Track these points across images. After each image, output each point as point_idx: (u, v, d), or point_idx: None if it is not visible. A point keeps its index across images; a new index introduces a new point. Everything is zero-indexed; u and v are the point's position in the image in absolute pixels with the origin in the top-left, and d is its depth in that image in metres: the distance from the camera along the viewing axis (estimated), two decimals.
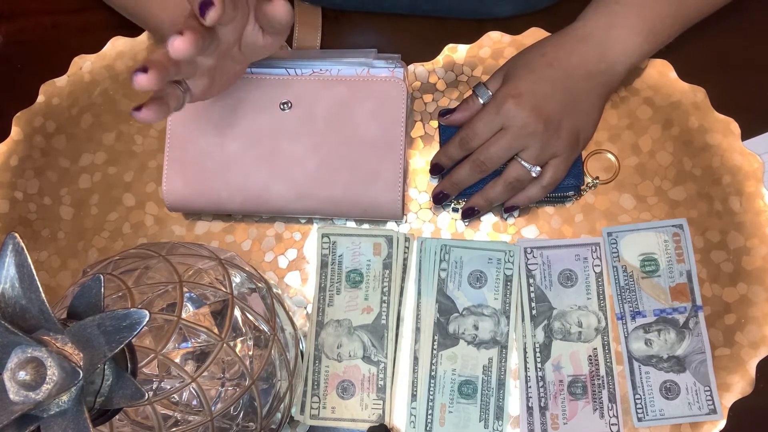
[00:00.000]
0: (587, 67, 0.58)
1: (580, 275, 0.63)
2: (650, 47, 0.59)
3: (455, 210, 0.65)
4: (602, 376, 0.61)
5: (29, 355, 0.32)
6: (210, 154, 0.61)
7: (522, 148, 0.58)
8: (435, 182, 0.65)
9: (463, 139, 0.60)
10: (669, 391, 0.61)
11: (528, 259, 0.63)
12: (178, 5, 0.56)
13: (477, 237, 0.64)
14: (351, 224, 0.64)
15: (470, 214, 0.62)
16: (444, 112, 0.63)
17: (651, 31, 0.58)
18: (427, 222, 0.65)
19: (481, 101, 0.60)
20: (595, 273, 0.63)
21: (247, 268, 0.55)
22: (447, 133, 0.63)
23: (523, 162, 0.59)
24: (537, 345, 0.61)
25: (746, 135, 0.64)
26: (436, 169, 0.63)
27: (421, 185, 0.65)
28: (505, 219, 0.64)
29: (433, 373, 0.61)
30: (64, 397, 0.33)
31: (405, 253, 0.64)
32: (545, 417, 0.60)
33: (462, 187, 0.61)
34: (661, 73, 0.66)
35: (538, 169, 0.59)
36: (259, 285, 0.54)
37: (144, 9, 0.58)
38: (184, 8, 0.52)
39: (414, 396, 0.61)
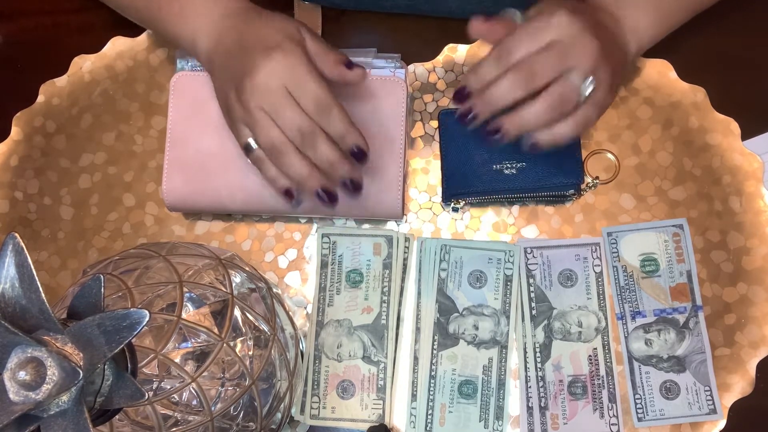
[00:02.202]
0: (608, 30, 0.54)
1: (580, 275, 0.63)
2: (658, 31, 0.58)
3: (455, 210, 0.64)
4: (602, 376, 0.61)
5: (29, 355, 0.32)
6: (210, 154, 0.61)
7: (574, 65, 0.49)
8: (435, 181, 0.65)
9: (503, 52, 0.49)
10: (669, 391, 0.60)
11: (528, 259, 0.63)
12: (197, 19, 0.56)
13: (477, 237, 0.64)
14: (351, 224, 0.64)
15: (492, 134, 0.52)
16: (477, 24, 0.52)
17: (660, 14, 0.57)
18: (427, 222, 0.65)
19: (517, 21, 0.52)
20: (595, 273, 0.63)
21: (247, 268, 0.55)
22: (447, 133, 0.63)
23: (573, 79, 0.49)
24: (537, 345, 0.61)
25: (746, 135, 0.64)
26: (460, 95, 0.52)
27: (421, 185, 0.65)
28: (527, 152, 0.54)
29: (433, 373, 0.61)
30: (64, 397, 0.33)
31: (405, 253, 0.63)
32: (545, 417, 0.60)
33: (497, 106, 0.50)
34: (661, 73, 0.66)
35: (591, 88, 0.50)
36: (259, 285, 0.54)
37: (163, 24, 0.58)
38: (203, 23, 0.56)
39: (414, 396, 0.61)
